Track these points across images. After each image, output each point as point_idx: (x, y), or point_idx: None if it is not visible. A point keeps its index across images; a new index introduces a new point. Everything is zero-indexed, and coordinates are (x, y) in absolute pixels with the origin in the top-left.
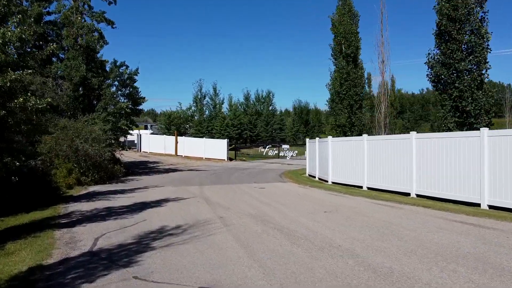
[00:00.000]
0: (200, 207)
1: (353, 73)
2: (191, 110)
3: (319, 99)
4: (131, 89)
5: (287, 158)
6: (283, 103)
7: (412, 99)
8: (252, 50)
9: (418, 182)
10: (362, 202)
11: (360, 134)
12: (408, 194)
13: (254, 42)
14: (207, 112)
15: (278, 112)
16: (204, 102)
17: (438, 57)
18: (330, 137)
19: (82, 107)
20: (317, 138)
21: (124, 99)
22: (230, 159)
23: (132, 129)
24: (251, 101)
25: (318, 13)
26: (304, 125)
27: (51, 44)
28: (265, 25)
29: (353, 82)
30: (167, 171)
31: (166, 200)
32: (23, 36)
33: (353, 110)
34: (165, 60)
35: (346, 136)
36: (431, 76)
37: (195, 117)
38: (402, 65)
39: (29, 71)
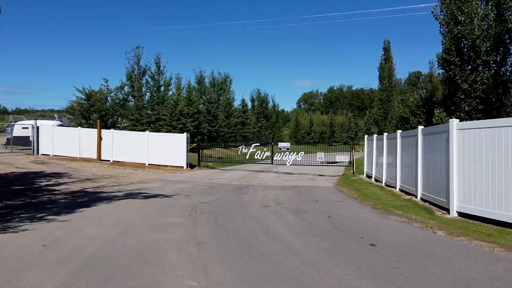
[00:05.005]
0: None
1: None
2: (123, 92)
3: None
4: None
5: (287, 163)
6: (239, 94)
7: None
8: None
9: None
10: None
11: None
12: None
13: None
14: (147, 96)
15: (237, 103)
16: (143, 82)
17: None
18: None
19: None
20: None
21: None
22: (191, 166)
23: None
24: (205, 85)
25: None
26: (266, 119)
27: None
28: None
29: None
30: (71, 204)
31: None
32: None
33: None
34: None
35: None
36: None
37: (130, 102)
38: None
39: None
